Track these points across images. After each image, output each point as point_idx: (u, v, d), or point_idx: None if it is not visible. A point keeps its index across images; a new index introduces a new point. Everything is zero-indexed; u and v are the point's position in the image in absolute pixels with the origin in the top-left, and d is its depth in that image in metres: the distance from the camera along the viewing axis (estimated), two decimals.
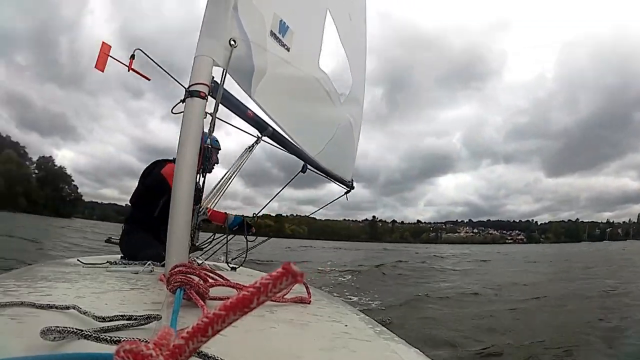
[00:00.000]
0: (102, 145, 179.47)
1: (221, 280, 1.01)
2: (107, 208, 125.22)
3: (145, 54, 1.59)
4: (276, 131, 1.90)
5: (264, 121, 1.83)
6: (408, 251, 25.74)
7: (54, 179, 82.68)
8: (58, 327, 0.49)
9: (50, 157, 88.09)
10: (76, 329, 0.49)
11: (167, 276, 0.87)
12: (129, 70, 1.58)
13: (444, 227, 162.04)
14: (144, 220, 2.35)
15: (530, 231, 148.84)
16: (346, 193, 2.91)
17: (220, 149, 2.56)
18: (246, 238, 2.26)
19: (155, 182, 2.27)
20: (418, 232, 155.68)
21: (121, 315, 0.63)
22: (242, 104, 1.70)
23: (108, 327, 0.59)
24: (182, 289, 0.81)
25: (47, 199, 77.18)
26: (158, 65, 1.60)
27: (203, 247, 2.38)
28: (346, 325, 0.87)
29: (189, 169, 1.26)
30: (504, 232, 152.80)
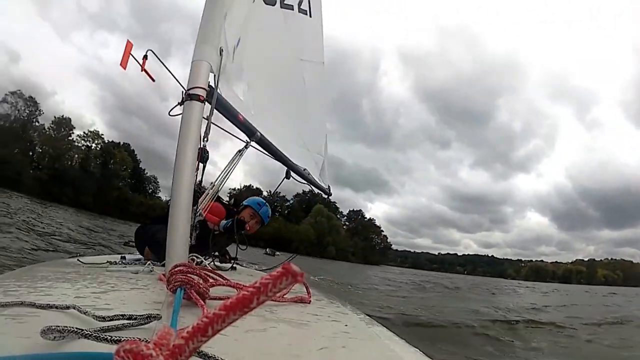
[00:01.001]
0: (415, 197, 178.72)
1: (221, 280, 1.01)
2: (419, 256, 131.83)
3: (156, 56, 1.62)
4: (264, 137, 1.95)
5: (253, 127, 1.86)
6: None
7: (363, 230, 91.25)
8: (58, 326, 0.49)
9: (360, 210, 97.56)
10: (76, 328, 0.49)
11: (167, 276, 0.87)
12: (141, 71, 1.59)
13: None
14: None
15: None
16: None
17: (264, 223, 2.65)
18: (236, 237, 2.29)
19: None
20: None
21: (121, 315, 0.63)
22: (233, 108, 1.73)
23: (108, 326, 0.59)
24: (182, 288, 0.81)
25: (355, 247, 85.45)
26: (166, 67, 1.64)
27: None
28: (346, 325, 0.87)
29: (188, 170, 1.27)
30: None
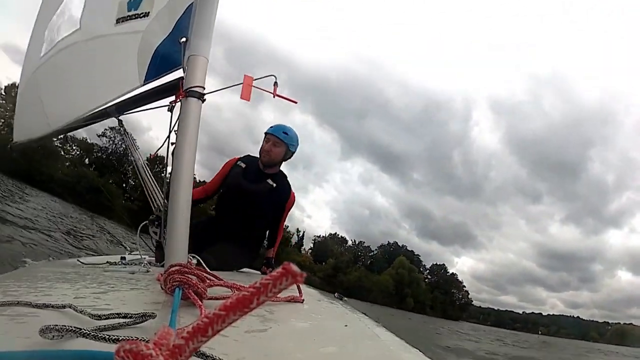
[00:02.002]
0: (502, 253, 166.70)
1: (219, 280, 1.01)
2: (502, 315, 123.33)
3: (276, 81, 1.67)
4: None
5: None
6: None
7: (444, 284, 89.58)
8: (57, 325, 0.49)
9: (443, 264, 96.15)
10: (75, 327, 0.49)
11: (165, 276, 0.87)
12: (274, 97, 1.64)
13: None
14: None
15: None
16: None
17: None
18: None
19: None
20: None
21: (117, 314, 0.63)
22: None
23: (105, 325, 0.59)
24: (180, 288, 0.81)
25: (434, 301, 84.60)
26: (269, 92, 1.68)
27: None
28: (346, 325, 0.87)
29: (187, 170, 1.27)
30: None
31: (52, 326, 0.49)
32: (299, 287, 1.14)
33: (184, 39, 1.41)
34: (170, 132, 1.47)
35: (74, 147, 50.05)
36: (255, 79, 1.57)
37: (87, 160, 50.94)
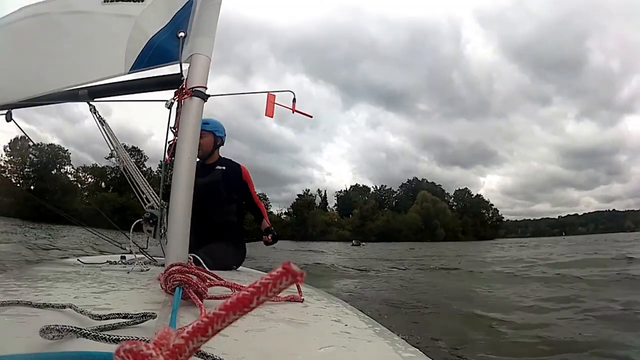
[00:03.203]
0: (525, 162, 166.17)
1: (219, 280, 1.01)
2: (539, 224, 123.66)
3: (294, 98, 1.78)
4: None
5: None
6: None
7: (472, 207, 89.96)
8: (57, 326, 0.49)
9: (466, 188, 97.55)
10: (75, 327, 0.49)
11: (165, 275, 0.87)
12: (293, 112, 1.74)
13: None
14: None
15: None
16: None
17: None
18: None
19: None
20: None
21: (117, 314, 0.63)
22: None
23: (105, 325, 0.59)
24: (180, 288, 0.81)
25: (465, 226, 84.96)
26: (296, 110, 1.79)
27: None
28: (346, 325, 0.87)
29: (188, 168, 1.27)
30: None
31: (52, 326, 0.49)
32: (298, 287, 1.14)
33: (182, 34, 1.35)
34: (168, 130, 1.43)
35: (87, 176, 52.76)
36: (274, 92, 1.67)
37: (103, 184, 52.94)
